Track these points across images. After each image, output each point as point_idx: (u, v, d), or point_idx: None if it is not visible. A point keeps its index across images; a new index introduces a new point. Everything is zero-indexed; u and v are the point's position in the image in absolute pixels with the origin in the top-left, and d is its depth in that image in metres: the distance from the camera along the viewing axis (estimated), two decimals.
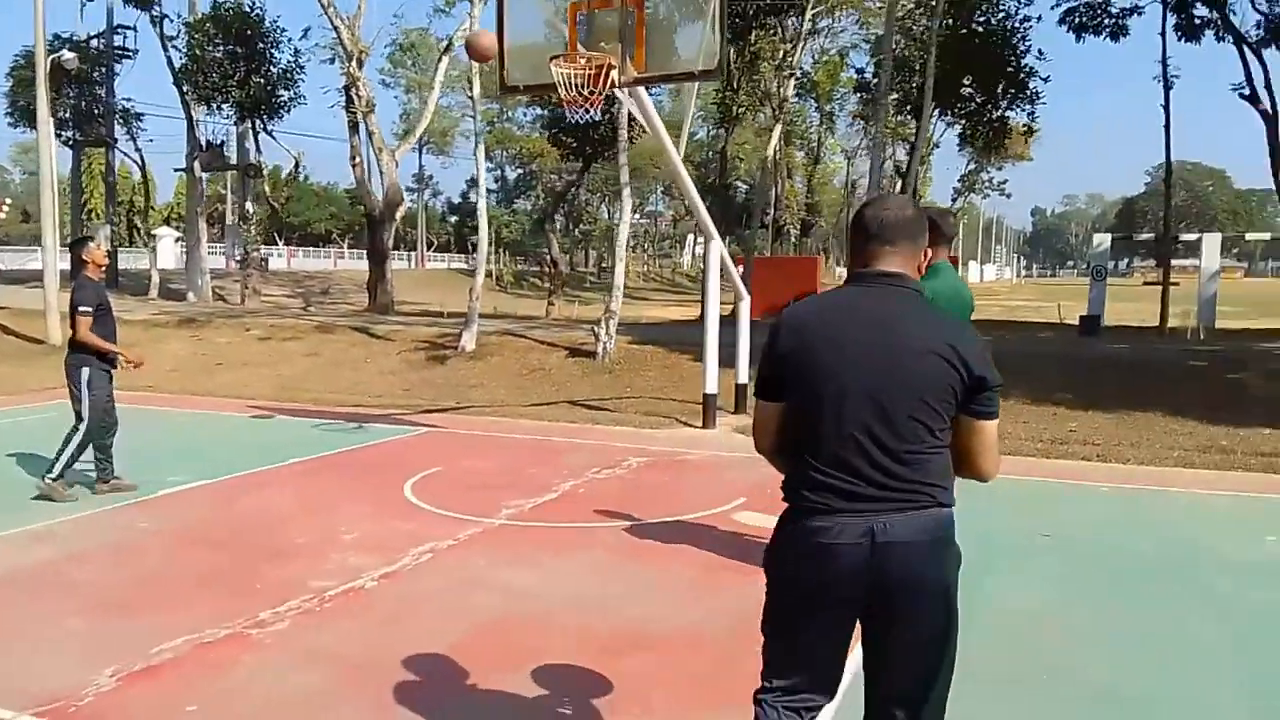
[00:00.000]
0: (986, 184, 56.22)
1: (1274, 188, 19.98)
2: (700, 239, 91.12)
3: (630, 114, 11.36)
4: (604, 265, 63.32)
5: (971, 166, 52.27)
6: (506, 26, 8.16)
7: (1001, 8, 19.53)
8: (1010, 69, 19.63)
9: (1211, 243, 26.60)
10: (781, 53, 22.62)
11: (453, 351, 15.94)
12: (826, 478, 2.32)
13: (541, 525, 6.39)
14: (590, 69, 7.51)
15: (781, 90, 21.70)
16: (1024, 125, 21.88)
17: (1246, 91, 18.79)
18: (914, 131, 21.39)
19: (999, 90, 20.09)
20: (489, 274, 40.60)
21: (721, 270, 10.82)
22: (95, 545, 5.92)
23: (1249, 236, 50.13)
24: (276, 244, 53.57)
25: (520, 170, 63.48)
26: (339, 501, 7.01)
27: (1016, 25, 19.64)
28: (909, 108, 20.89)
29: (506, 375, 14.61)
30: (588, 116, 7.77)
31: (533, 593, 5.08)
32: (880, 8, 26.42)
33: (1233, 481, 7.95)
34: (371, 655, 4.23)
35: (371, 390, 13.58)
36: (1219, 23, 18.73)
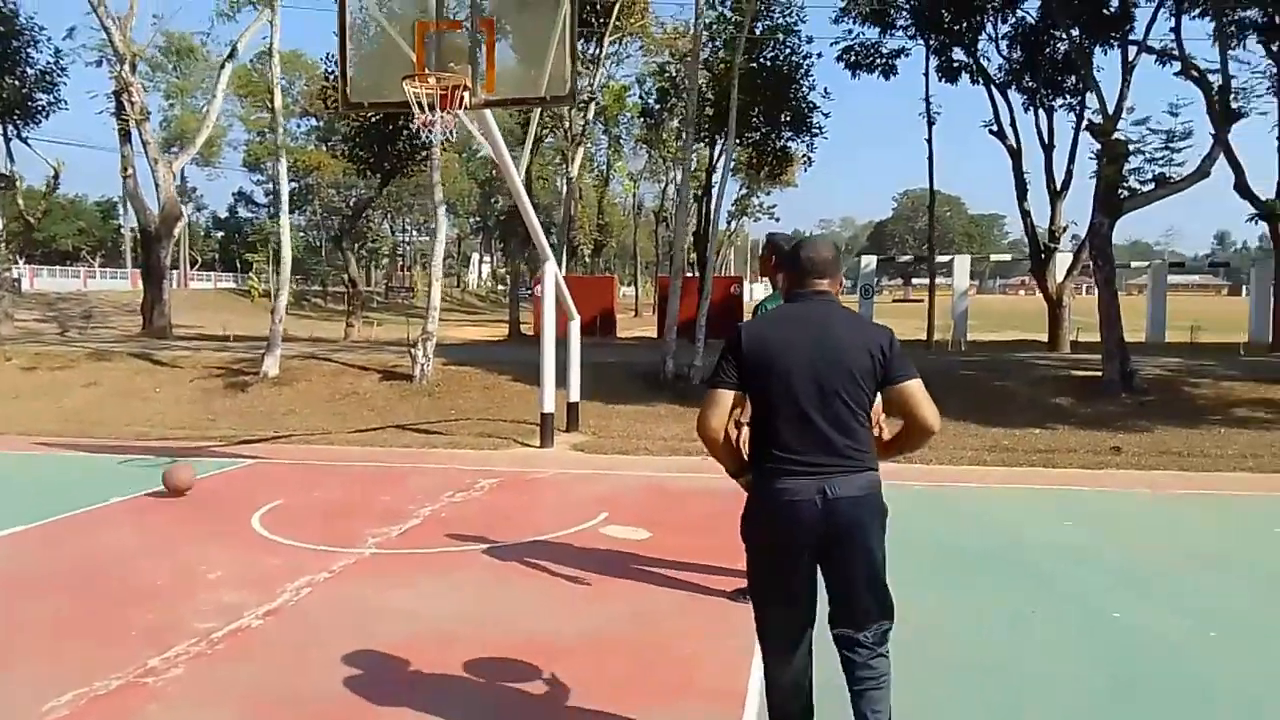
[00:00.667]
0: (757, 208, 59.72)
1: (1000, 212, 22.60)
2: (485, 258, 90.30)
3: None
4: (392, 285, 61.58)
5: (744, 191, 55.40)
6: (349, 40, 8.04)
7: (787, 45, 20.99)
8: (794, 102, 21.13)
9: (962, 263, 29.66)
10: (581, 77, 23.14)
11: (254, 378, 15.15)
12: (785, 450, 2.94)
13: (415, 551, 6.34)
14: (441, 90, 7.53)
15: (584, 114, 22.19)
16: (804, 155, 23.56)
17: (995, 128, 21.22)
18: (704, 156, 22.55)
19: (783, 121, 21.55)
20: (265, 294, 38.58)
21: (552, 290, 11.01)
22: None
23: (993, 257, 55.66)
24: (17, 262, 48.19)
25: (295, 184, 60.67)
26: (185, 539, 6.61)
27: (800, 61, 21.20)
28: (702, 135, 21.91)
29: (318, 401, 14.09)
30: (443, 136, 7.78)
31: (428, 615, 5.08)
32: (663, 36, 27.64)
33: (1021, 476, 9.07)
34: (287, 690, 4.13)
35: (171, 421, 12.71)
36: (973, 66, 21.05)
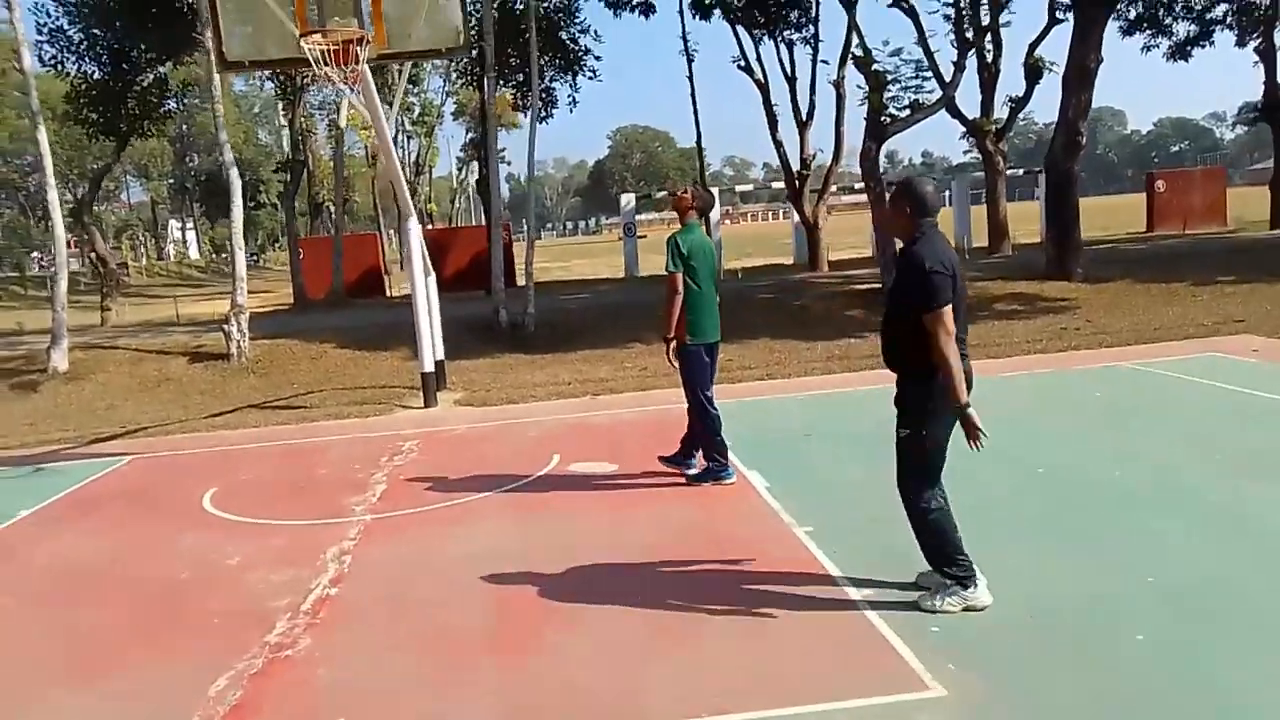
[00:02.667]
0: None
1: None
2: (186, 225, 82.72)
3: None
4: (126, 262, 55.22)
5: (473, 136, 54.89)
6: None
7: None
8: (564, 43, 21.64)
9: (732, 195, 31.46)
10: None
11: (42, 375, 13.83)
12: (961, 344, 4.11)
13: (413, 511, 6.56)
14: (334, 45, 7.42)
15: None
16: (569, 95, 24.11)
17: (743, 63, 22.88)
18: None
19: (554, 62, 22.02)
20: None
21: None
22: None
23: (739, 188, 58.38)
24: None
25: None
26: (156, 535, 6.42)
27: (566, 3, 21.68)
28: (469, 78, 21.83)
29: (132, 391, 13.16)
30: (338, 93, 7.70)
31: (491, 552, 5.45)
32: None
33: (870, 378, 10.48)
34: (436, 625, 4.46)
35: None
36: (719, 2, 22.36)
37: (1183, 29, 26.16)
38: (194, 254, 79.18)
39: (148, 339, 16.26)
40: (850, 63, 15.84)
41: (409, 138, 49.17)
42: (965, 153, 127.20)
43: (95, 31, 20.03)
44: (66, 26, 19.81)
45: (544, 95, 23.09)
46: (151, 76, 20.92)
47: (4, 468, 9.14)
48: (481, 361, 13.25)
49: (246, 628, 4.70)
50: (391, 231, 52.00)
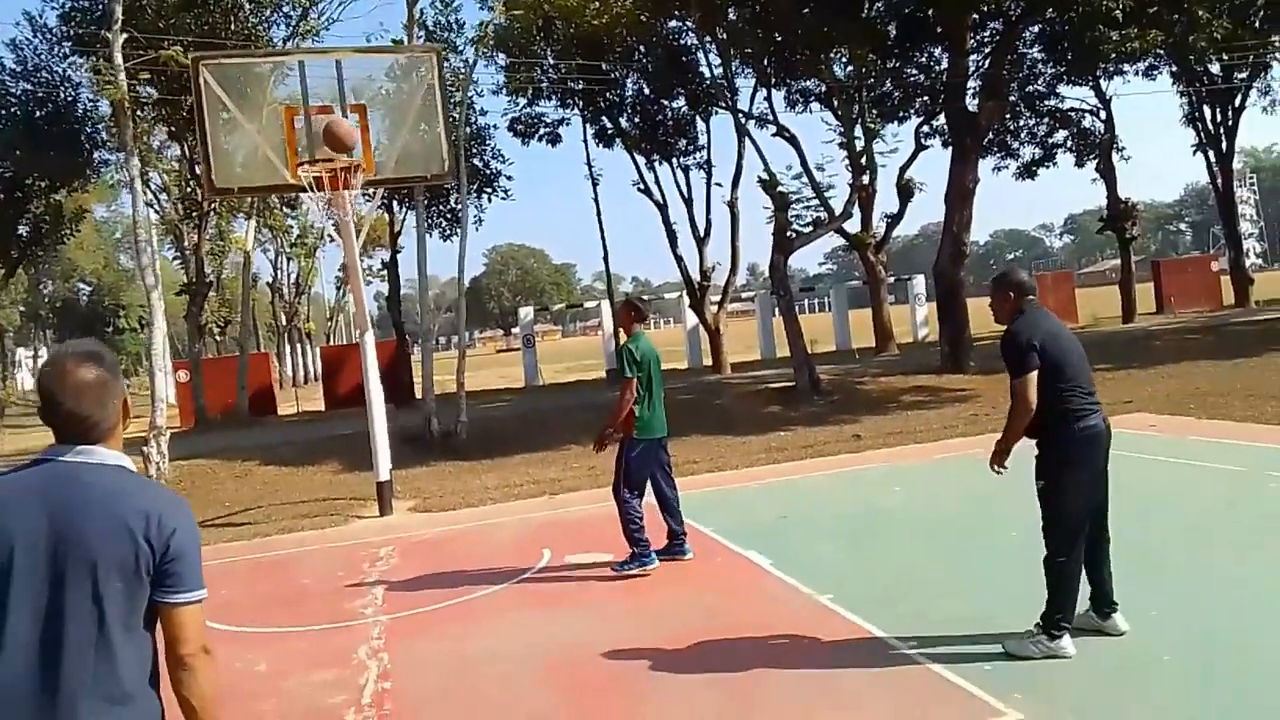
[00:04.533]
0: (367, 271, 59.20)
1: (571, 261, 25.56)
2: (39, 354, 78.19)
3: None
4: None
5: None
6: (208, 126, 7.87)
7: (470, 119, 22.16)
8: (477, 168, 22.34)
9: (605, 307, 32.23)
10: None
11: None
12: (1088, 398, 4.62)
13: (425, 610, 6.60)
14: (329, 173, 7.75)
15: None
16: (475, 215, 24.73)
17: (642, 186, 24.15)
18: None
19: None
20: None
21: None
22: None
23: (587, 304, 59.01)
24: None
25: None
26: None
27: (478, 131, 22.46)
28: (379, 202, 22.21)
29: None
30: (335, 218, 7.95)
31: (528, 649, 5.56)
32: None
33: (816, 466, 11.09)
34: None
35: None
36: (618, 132, 23.75)
37: (1028, 152, 29.06)
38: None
39: None
40: (757, 184, 17.02)
41: (288, 259, 48.66)
42: (820, 264, 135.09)
43: None
44: None
45: (449, 215, 23.66)
46: (45, 203, 20.47)
47: None
48: (420, 470, 13.21)
49: None
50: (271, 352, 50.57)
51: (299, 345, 48.63)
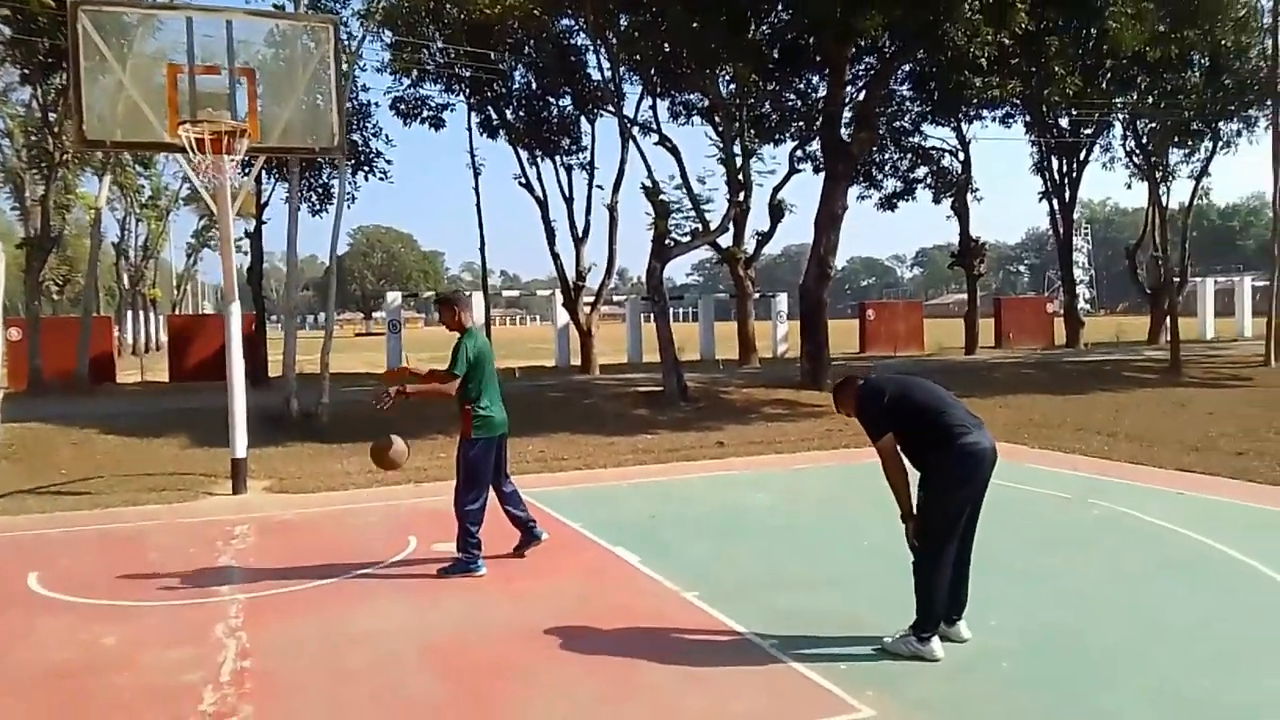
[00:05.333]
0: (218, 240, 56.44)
1: (440, 249, 25.46)
2: None
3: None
4: None
5: (204, 223, 52.16)
6: (83, 75, 7.41)
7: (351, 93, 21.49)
8: (354, 144, 21.70)
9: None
10: None
11: None
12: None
13: (295, 589, 6.45)
14: (212, 135, 7.45)
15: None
16: (349, 192, 23.98)
17: (524, 180, 24.07)
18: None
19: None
20: None
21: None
22: None
23: (505, 292, 58.63)
24: None
25: None
26: (7, 619, 5.87)
27: (359, 107, 21.81)
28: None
29: None
30: (214, 182, 7.61)
31: (392, 632, 5.54)
32: None
33: (679, 469, 11.37)
34: (407, 700, 4.59)
35: None
36: (503, 124, 23.57)
37: (891, 184, 30.51)
38: None
39: None
40: (640, 190, 17.27)
41: (138, 221, 45.83)
42: (687, 275, 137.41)
43: None
44: None
45: (320, 190, 22.93)
46: None
47: None
48: (277, 450, 12.78)
49: (170, 700, 4.56)
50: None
51: (142, 312, 45.85)
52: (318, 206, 23.36)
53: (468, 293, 36.32)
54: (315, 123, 9.09)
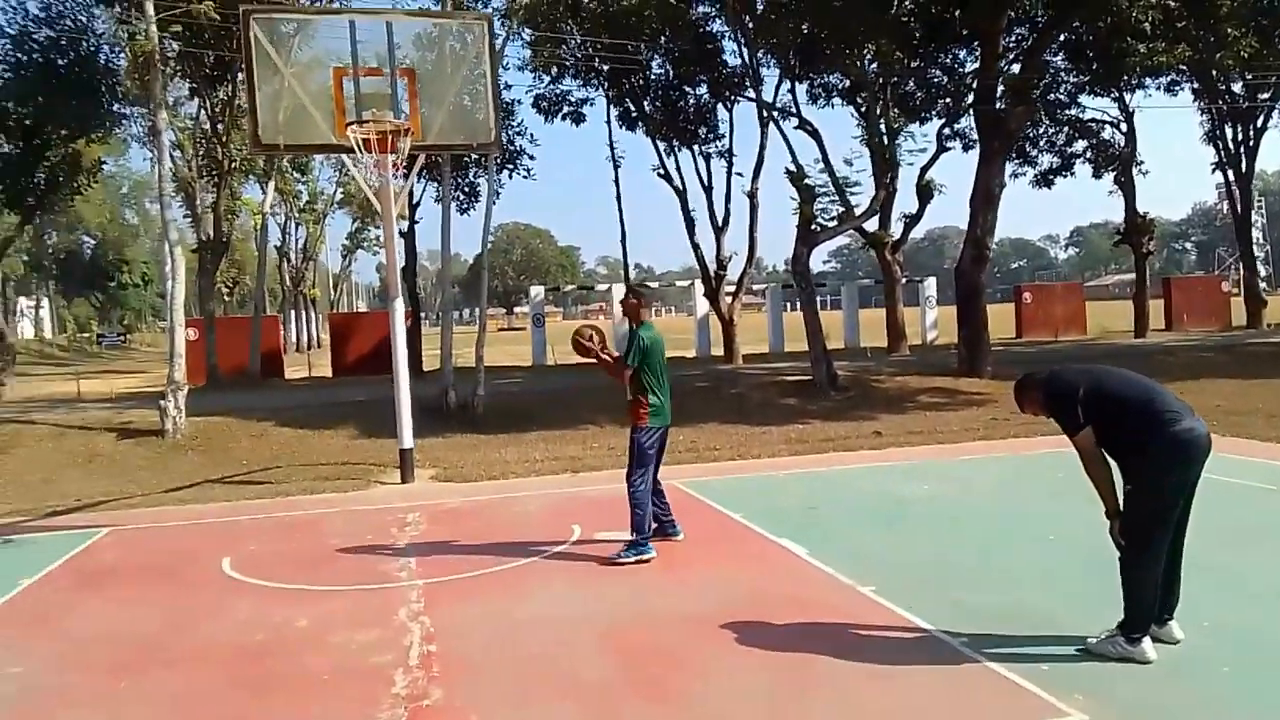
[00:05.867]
0: (373, 241, 59.00)
1: (575, 244, 25.52)
2: (40, 304, 78.09)
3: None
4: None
5: (356, 225, 54.62)
6: (257, 80, 7.80)
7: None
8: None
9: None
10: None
11: None
12: None
13: (469, 575, 6.58)
14: (378, 134, 7.69)
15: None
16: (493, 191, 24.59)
17: (662, 171, 24.06)
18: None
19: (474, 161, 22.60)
20: None
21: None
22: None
23: (599, 287, 59.14)
24: None
25: None
26: (202, 601, 6.21)
27: (504, 105, 22.33)
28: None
29: (64, 466, 12.50)
30: (378, 182, 7.88)
31: (568, 618, 5.55)
32: None
33: (834, 459, 11.08)
34: (587, 685, 4.59)
35: None
36: (641, 116, 23.67)
37: (1046, 160, 28.99)
38: (41, 332, 74.26)
39: (62, 414, 15.39)
40: (784, 176, 16.93)
41: (297, 225, 48.43)
42: (824, 262, 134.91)
43: (8, 104, 19.40)
44: None
45: (467, 189, 23.57)
46: (63, 151, 20.33)
47: None
48: (437, 440, 13.18)
49: (364, 681, 4.70)
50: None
51: (304, 311, 48.50)
52: (465, 205, 24.03)
53: (606, 286, 36.80)
54: (466, 120, 9.24)
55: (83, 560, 7.59)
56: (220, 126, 21.77)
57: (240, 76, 20.31)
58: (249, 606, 6.08)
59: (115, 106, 20.81)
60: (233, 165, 21.51)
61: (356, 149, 7.71)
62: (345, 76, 8.04)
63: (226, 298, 38.19)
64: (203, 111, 22.27)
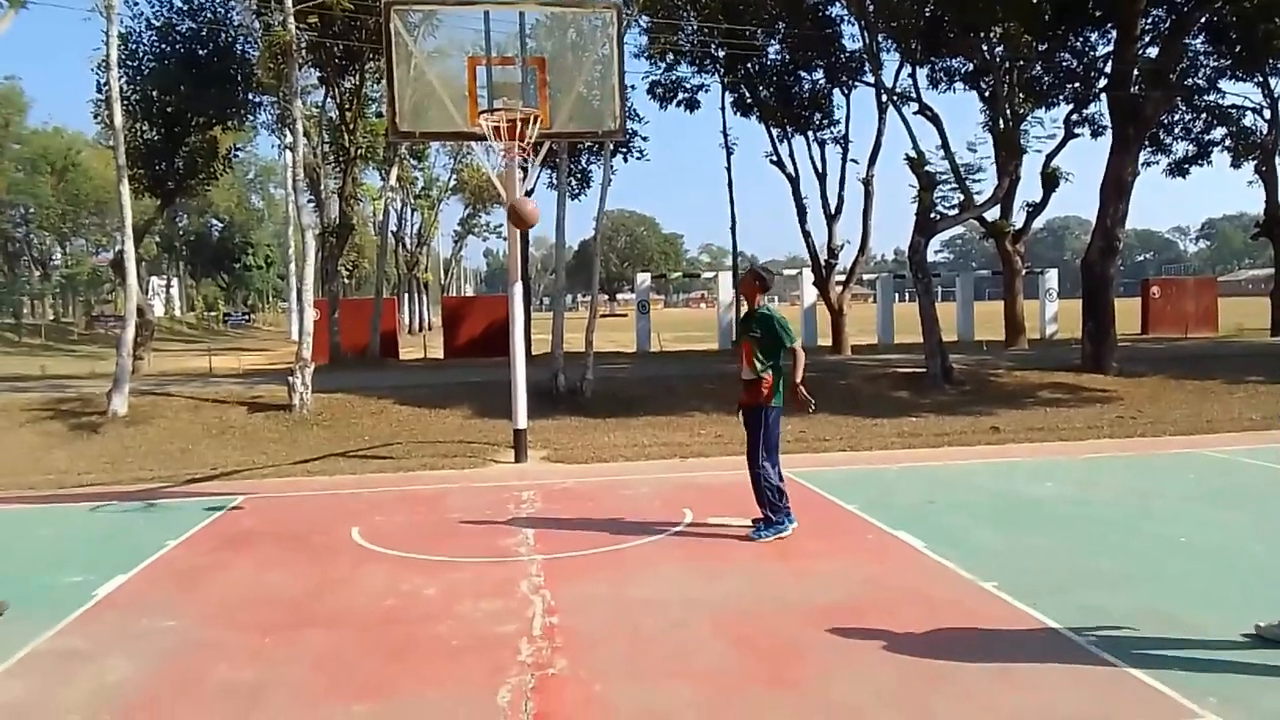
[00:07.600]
0: (484, 227, 60.19)
1: (679, 232, 25.21)
2: (171, 284, 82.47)
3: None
4: (96, 315, 55.03)
5: (468, 211, 55.81)
6: (395, 73, 8.10)
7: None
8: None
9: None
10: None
11: (100, 418, 13.81)
12: None
13: (586, 553, 6.73)
14: (509, 121, 7.88)
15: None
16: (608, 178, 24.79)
17: (775, 158, 23.84)
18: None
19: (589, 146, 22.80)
20: None
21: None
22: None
23: (722, 275, 59.04)
24: None
25: None
26: (336, 567, 6.52)
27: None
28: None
29: (200, 437, 13.19)
30: (519, 165, 8.10)
31: (685, 600, 5.62)
32: None
33: (950, 453, 10.85)
34: (707, 665, 4.65)
35: (44, 469, 11.37)
36: (756, 102, 23.50)
37: (1181, 148, 27.56)
38: (171, 310, 78.52)
39: (198, 388, 16.29)
40: (904, 162, 16.55)
41: (412, 211, 49.83)
42: (937, 251, 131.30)
43: (151, 92, 20.53)
44: (124, 88, 20.28)
45: (579, 175, 23.82)
46: (201, 138, 21.43)
47: (116, 501, 9.18)
48: (548, 423, 13.44)
49: (491, 649, 4.86)
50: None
51: (418, 294, 49.99)
52: (575, 191, 24.29)
53: (712, 274, 36.66)
54: (591, 108, 9.38)
55: (222, 525, 8.05)
56: (348, 115, 22.58)
57: (369, 66, 21.11)
58: (379, 574, 6.36)
59: (249, 95, 21.79)
60: (358, 152, 22.26)
61: (488, 136, 7.92)
62: (479, 65, 8.26)
63: (346, 281, 39.61)
64: (330, 100, 23.12)
